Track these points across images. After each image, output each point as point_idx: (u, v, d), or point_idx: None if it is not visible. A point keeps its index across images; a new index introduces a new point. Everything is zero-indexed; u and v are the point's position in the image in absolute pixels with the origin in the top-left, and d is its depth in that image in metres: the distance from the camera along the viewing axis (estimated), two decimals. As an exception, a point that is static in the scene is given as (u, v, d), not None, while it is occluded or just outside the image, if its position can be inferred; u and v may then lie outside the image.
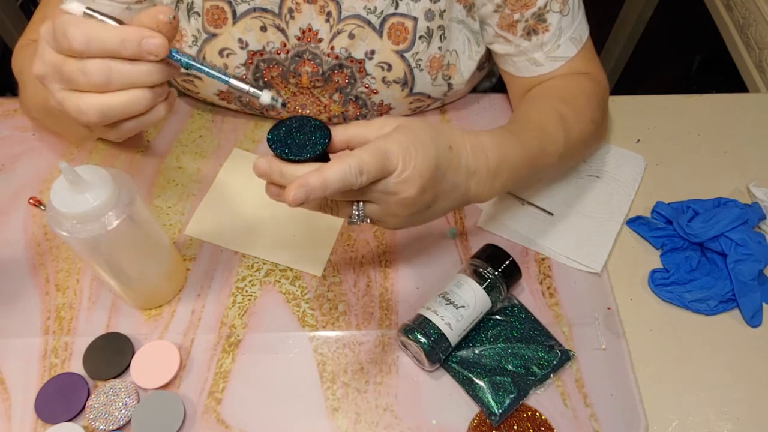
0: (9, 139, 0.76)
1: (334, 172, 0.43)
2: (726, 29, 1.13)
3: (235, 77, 0.44)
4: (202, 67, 0.43)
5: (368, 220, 0.49)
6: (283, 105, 0.46)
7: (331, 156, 0.48)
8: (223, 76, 0.44)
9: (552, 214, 0.70)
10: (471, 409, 0.57)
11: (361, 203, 0.48)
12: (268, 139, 0.46)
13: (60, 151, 0.75)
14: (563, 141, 0.61)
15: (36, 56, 0.44)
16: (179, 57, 0.42)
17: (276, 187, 0.47)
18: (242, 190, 0.71)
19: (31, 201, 0.71)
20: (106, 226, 0.49)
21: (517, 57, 0.69)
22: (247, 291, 0.64)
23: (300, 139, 0.46)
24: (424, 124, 0.49)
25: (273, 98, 0.45)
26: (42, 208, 0.70)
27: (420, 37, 0.67)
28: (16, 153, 0.75)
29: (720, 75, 1.20)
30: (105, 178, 0.49)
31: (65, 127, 0.67)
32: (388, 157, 0.45)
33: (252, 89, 0.44)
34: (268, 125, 0.77)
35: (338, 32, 0.66)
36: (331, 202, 0.49)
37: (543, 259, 0.67)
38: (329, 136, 0.46)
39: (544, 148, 0.60)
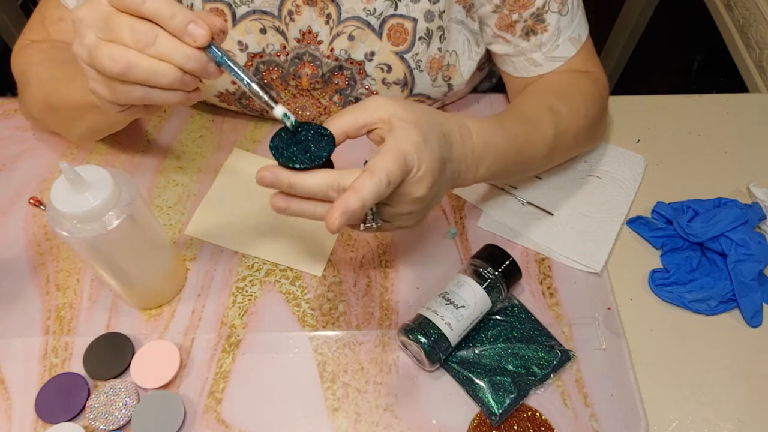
0: (9, 139, 0.76)
1: (369, 190, 0.43)
2: (726, 29, 1.13)
3: (257, 83, 0.44)
4: (233, 66, 0.44)
5: (380, 223, 0.49)
6: (294, 125, 0.45)
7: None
8: (246, 78, 0.44)
9: (552, 214, 0.70)
10: (471, 409, 0.57)
11: (374, 206, 0.48)
12: (270, 147, 0.45)
13: (60, 150, 0.75)
14: (553, 134, 0.61)
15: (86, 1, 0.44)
16: (217, 51, 0.43)
17: (283, 199, 0.47)
18: (242, 189, 0.71)
19: (31, 201, 0.71)
20: (107, 226, 0.49)
21: (516, 57, 0.69)
22: (247, 291, 0.64)
23: (302, 146, 0.46)
24: (419, 113, 0.49)
25: (285, 114, 0.45)
26: (42, 207, 0.70)
27: (419, 38, 0.67)
28: (16, 153, 0.75)
29: (720, 75, 1.19)
30: (105, 177, 0.49)
31: (66, 123, 0.67)
32: (407, 158, 0.46)
33: (268, 99, 0.44)
34: (268, 126, 0.77)
35: (338, 34, 0.66)
36: None
37: (543, 259, 0.67)
38: (333, 141, 0.46)
39: (531, 140, 0.60)
